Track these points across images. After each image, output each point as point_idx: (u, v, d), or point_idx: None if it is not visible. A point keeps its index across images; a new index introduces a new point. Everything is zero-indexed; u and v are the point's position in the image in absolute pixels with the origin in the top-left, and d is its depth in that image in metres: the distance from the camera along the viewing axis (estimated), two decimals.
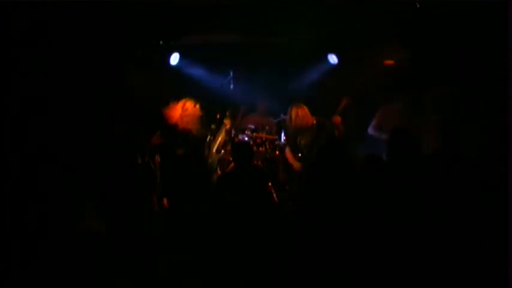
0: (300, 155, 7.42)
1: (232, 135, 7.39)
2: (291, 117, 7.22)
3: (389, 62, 8.02)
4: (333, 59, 8.18)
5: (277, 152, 7.55)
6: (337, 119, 7.22)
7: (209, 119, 6.91)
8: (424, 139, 6.94)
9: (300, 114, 7.20)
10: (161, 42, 7.36)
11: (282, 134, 7.61)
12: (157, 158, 6.57)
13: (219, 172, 6.92)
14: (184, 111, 6.50)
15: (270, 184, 5.59)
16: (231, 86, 7.77)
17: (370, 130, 7.68)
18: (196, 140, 6.50)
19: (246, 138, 7.39)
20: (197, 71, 8.30)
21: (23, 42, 5.77)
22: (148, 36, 6.96)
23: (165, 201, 5.57)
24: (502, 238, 4.43)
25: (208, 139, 6.90)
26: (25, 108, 5.76)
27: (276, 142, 7.59)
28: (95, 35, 6.21)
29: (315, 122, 7.19)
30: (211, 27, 7.15)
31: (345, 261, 4.01)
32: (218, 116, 7.15)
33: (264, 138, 7.56)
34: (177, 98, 6.62)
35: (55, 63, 6.05)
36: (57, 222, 5.44)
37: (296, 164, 7.14)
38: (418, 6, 6.23)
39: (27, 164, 5.57)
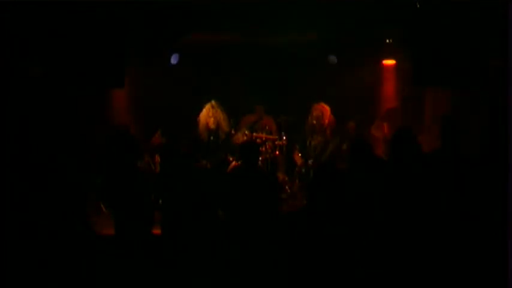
0: (300, 154, 7.43)
1: (232, 134, 7.43)
2: (309, 114, 7.29)
3: (389, 62, 8.03)
4: (332, 59, 8.19)
5: (277, 152, 7.55)
6: (352, 125, 7.31)
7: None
8: (424, 139, 6.95)
9: (315, 114, 7.23)
10: (161, 42, 7.36)
11: (282, 134, 7.62)
12: (158, 158, 6.60)
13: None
14: (214, 112, 7.37)
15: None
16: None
17: (373, 130, 7.69)
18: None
19: (246, 138, 7.40)
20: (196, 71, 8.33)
21: (22, 42, 5.77)
22: (148, 36, 6.96)
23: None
24: (502, 238, 4.44)
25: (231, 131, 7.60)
26: (26, 108, 5.77)
27: (276, 142, 7.59)
28: (95, 35, 6.21)
29: (330, 124, 7.19)
30: (211, 27, 7.15)
31: (345, 260, 4.02)
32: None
33: (264, 138, 7.56)
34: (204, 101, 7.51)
35: (55, 63, 6.05)
36: (57, 221, 5.44)
37: (299, 160, 7.20)
38: (418, 6, 6.23)
39: (27, 164, 5.57)
